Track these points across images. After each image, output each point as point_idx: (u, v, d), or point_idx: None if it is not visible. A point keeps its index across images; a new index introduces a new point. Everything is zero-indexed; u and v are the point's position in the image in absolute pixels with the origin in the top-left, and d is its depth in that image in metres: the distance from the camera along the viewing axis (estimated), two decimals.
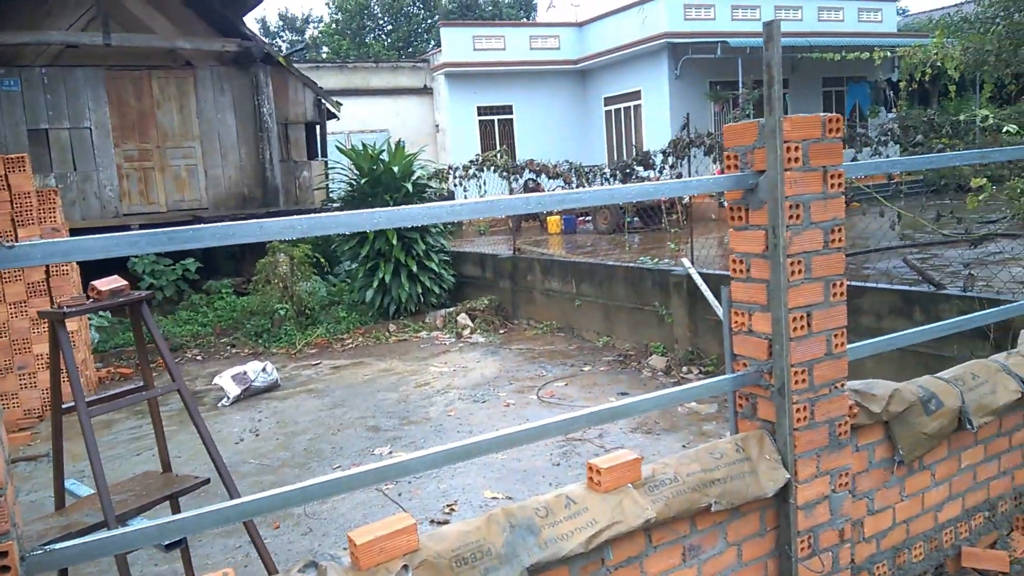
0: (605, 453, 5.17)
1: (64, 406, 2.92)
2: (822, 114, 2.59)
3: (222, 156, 13.68)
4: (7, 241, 1.68)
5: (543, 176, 14.53)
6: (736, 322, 2.70)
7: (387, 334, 10.29)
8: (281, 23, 43.76)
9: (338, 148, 12.28)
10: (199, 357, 9.93)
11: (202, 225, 1.93)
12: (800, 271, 2.54)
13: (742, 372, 2.65)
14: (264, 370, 7.94)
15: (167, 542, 2.55)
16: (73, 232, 9.47)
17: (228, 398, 7.55)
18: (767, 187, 2.51)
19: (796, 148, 2.50)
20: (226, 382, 7.64)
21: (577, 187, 13.60)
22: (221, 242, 1.97)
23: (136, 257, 11.41)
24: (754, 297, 2.62)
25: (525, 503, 2.28)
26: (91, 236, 1.80)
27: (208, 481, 3.10)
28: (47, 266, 7.70)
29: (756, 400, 2.66)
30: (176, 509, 3.17)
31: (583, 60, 21.47)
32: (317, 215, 2.09)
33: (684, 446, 5.39)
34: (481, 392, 7.28)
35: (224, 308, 11.61)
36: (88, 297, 2.88)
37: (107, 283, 2.84)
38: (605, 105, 21.47)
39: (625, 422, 5.96)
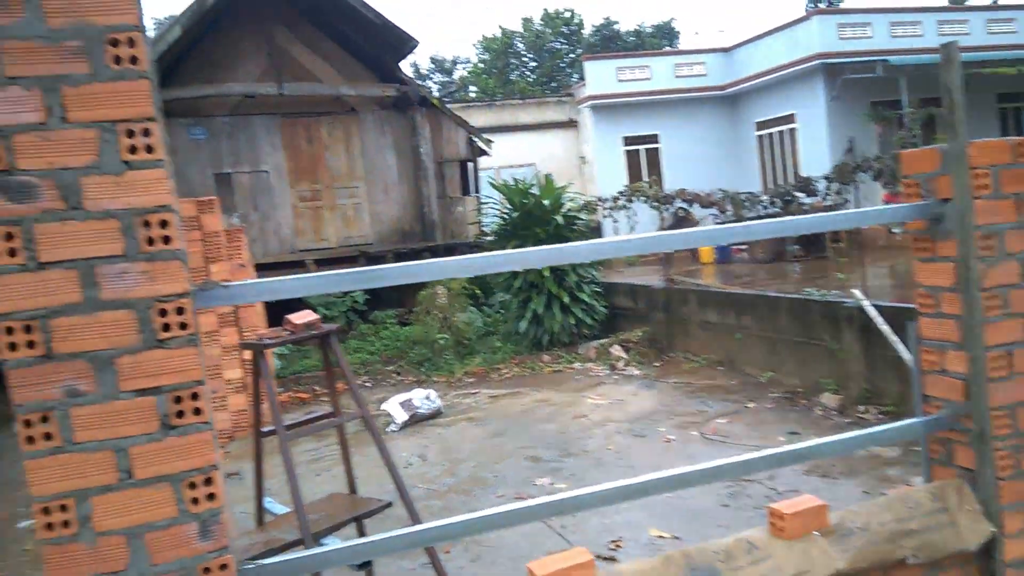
0: (778, 495, 4.98)
1: (263, 430, 3.19)
2: (1009, 138, 2.42)
3: (384, 194, 14.49)
4: (211, 279, 1.89)
5: (695, 205, 14.30)
6: (927, 361, 2.55)
7: (541, 365, 10.43)
8: (432, 66, 45.92)
9: (490, 183, 12.69)
10: (368, 384, 10.49)
11: (389, 265, 2.07)
12: (997, 306, 2.37)
13: (935, 415, 2.49)
14: (428, 398, 8.27)
15: (358, 562, 2.72)
16: (256, 267, 10.32)
17: (396, 424, 7.92)
18: (954, 217, 2.37)
19: (984, 175, 2.35)
20: (394, 408, 8.02)
21: (733, 216, 13.26)
22: (405, 280, 2.11)
23: None
24: (946, 334, 2.46)
25: (703, 546, 2.25)
26: (293, 277, 1.99)
27: (391, 504, 3.27)
28: None
29: (952, 446, 2.49)
30: (361, 530, 3.36)
31: (732, 85, 21.02)
32: (490, 254, 2.18)
33: (865, 492, 5.08)
34: (640, 426, 7.21)
35: (389, 337, 12.21)
36: (284, 329, 3.16)
37: (301, 316, 3.11)
38: (757, 130, 20.86)
39: (799, 463, 5.70)
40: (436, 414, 8.36)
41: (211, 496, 1.78)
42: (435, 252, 14.15)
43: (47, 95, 1.57)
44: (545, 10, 39.78)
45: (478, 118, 20.66)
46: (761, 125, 20.71)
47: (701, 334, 9.79)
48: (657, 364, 9.94)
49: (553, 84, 37.95)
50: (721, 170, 20.45)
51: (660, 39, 39.40)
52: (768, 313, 8.58)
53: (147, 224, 1.65)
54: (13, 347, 1.63)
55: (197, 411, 1.75)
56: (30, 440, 1.68)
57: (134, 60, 1.60)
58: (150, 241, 1.66)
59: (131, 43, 1.60)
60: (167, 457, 1.74)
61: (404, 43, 13.77)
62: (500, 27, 42.34)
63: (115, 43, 1.58)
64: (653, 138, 21.19)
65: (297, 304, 10.79)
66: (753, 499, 5.17)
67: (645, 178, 18.57)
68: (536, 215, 11.30)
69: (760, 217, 13.88)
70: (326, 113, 14.05)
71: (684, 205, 14.97)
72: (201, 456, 1.77)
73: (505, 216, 11.91)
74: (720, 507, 5.13)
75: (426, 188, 14.37)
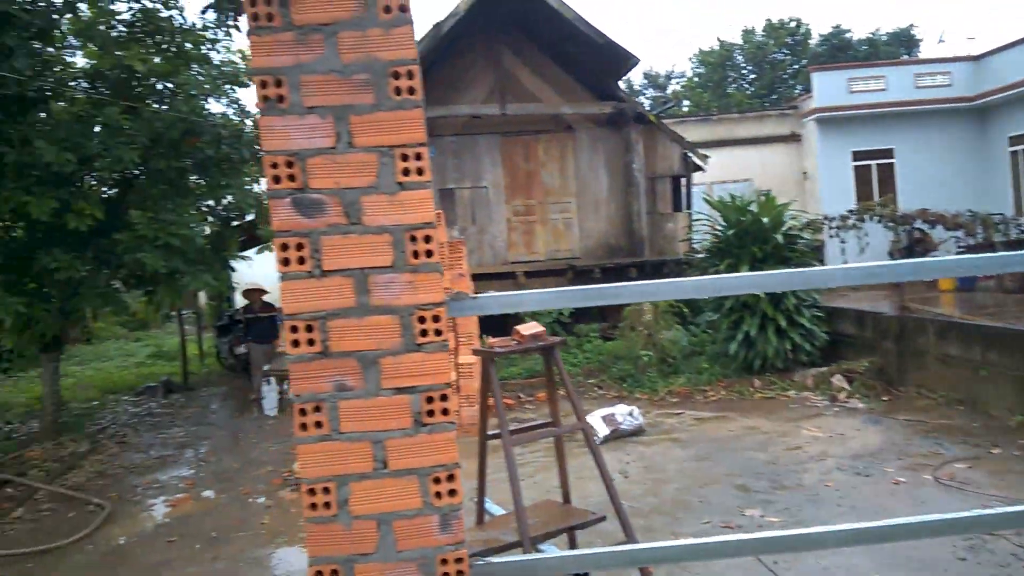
0: None
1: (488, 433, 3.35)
2: None
3: (594, 210, 14.67)
4: (461, 291, 2.01)
5: (937, 227, 13.01)
6: None
7: (751, 390, 10.01)
8: (645, 81, 45.71)
9: (705, 200, 12.40)
10: None
11: (626, 283, 2.10)
12: None
13: None
14: (631, 414, 8.24)
15: (575, 572, 2.77)
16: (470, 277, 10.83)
17: (598, 438, 7.95)
18: None
19: None
20: (596, 422, 8.07)
21: (983, 239, 11.94)
22: (640, 299, 2.17)
23: None
24: None
25: None
26: (533, 292, 2.09)
27: (604, 518, 3.31)
28: None
29: None
30: (572, 540, 3.43)
31: (981, 97, 18.89)
32: (726, 276, 2.15)
33: None
34: (863, 464, 6.69)
35: (591, 351, 12.30)
36: (512, 339, 3.31)
37: (528, 328, 3.25)
38: (1010, 146, 18.60)
39: None
40: (638, 431, 8.30)
41: (452, 492, 1.91)
42: (642, 268, 14.07)
43: (338, 123, 1.77)
44: (768, 20, 38.25)
45: (692, 133, 20.25)
46: (1016, 140, 18.44)
47: (938, 368, 8.89)
48: (885, 398, 9.16)
49: (773, 96, 36.36)
50: (965, 188, 18.44)
51: (897, 47, 36.38)
52: (1021, 349, 7.61)
53: (413, 239, 1.81)
54: (296, 344, 1.85)
55: (445, 411, 1.89)
56: (303, 427, 1.89)
57: (411, 91, 1.77)
58: (415, 254, 1.82)
59: (410, 75, 1.77)
60: (417, 452, 1.89)
61: (625, 61, 13.86)
62: (718, 39, 41.30)
63: (396, 76, 1.76)
64: (887, 153, 19.59)
65: (512, 317, 11.19)
66: (997, 555, 4.61)
67: (876, 195, 17.22)
68: (753, 232, 10.86)
69: (1017, 242, 12.38)
70: (543, 131, 14.49)
71: (923, 226, 13.67)
72: (446, 453, 1.90)
73: (719, 233, 11.57)
74: (956, 560, 4.62)
75: (636, 204, 14.35)
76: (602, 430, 8.04)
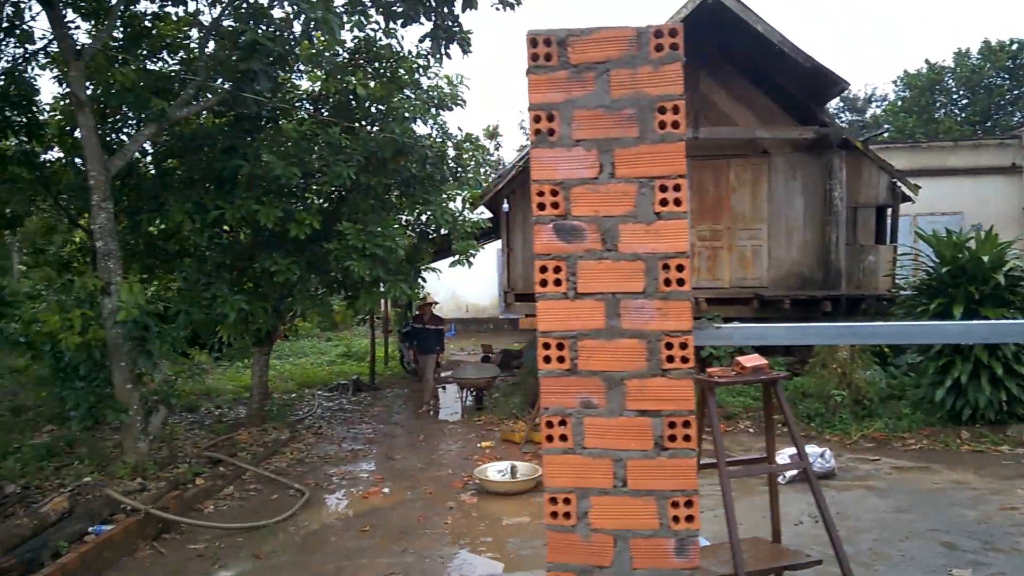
0: None
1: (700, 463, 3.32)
2: None
3: (786, 238, 14.05)
4: (705, 320, 2.03)
5: None
6: None
7: (958, 441, 9.17)
8: (841, 104, 43.21)
9: (917, 233, 11.52)
10: (750, 429, 10.26)
11: (881, 323, 2.04)
12: None
13: None
14: (822, 456, 7.81)
15: None
16: None
17: (784, 477, 7.62)
18: None
19: None
20: (784, 461, 7.72)
21: None
22: (899, 341, 2.07)
23: None
24: None
25: None
26: (779, 325, 2.08)
27: (821, 562, 3.19)
28: None
29: None
30: None
31: None
32: (998, 323, 2.02)
33: None
34: None
35: None
36: (732, 370, 3.28)
37: (750, 360, 3.21)
38: None
39: None
40: (829, 475, 7.85)
41: (690, 518, 1.94)
42: (836, 302, 13.27)
43: (602, 155, 1.88)
44: (985, 41, 35.01)
45: (896, 160, 18.86)
46: None
47: None
48: None
49: (987, 123, 33.19)
50: None
51: None
52: None
53: (666, 267, 1.88)
54: (547, 360, 1.97)
55: (687, 438, 1.93)
56: (549, 439, 2.00)
57: (675, 125, 1.84)
58: (667, 282, 1.88)
59: (675, 110, 1.84)
60: (657, 474, 1.94)
61: (832, 85, 13.15)
62: (926, 61, 38.30)
63: (662, 110, 1.84)
64: None
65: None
66: None
67: None
68: (970, 272, 9.94)
69: None
70: (736, 156, 14.09)
71: None
72: (685, 479, 1.94)
73: (930, 270, 10.71)
74: None
75: (835, 234, 13.56)
76: (789, 470, 7.67)
